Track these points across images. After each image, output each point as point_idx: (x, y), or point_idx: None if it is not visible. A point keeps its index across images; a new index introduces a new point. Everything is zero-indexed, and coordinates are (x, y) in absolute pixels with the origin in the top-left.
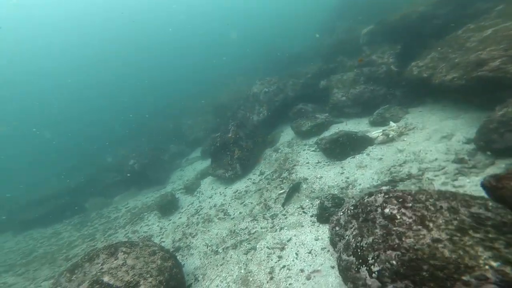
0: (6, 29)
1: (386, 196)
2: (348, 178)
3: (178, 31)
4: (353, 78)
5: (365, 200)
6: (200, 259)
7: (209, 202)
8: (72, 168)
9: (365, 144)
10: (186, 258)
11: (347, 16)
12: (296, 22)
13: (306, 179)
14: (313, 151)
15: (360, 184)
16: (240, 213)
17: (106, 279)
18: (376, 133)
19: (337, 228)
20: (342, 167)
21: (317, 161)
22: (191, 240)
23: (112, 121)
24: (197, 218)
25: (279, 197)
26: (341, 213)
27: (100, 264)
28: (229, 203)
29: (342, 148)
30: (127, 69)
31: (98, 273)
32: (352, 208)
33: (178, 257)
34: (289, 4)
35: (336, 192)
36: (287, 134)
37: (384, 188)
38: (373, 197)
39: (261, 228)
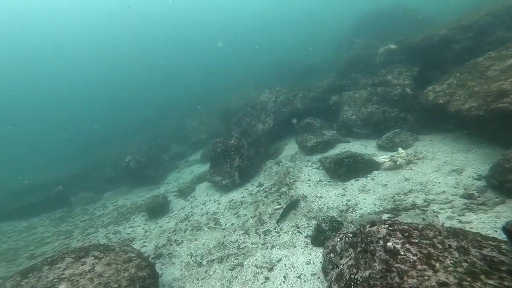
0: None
1: (391, 228)
2: (349, 201)
3: (197, 33)
4: (366, 97)
5: (367, 229)
6: (181, 269)
7: (201, 209)
8: (71, 158)
9: (371, 168)
10: (166, 267)
11: (367, 33)
12: (315, 36)
13: (305, 197)
14: (315, 168)
15: (361, 209)
16: (232, 224)
17: (62, 287)
18: (383, 158)
19: (331, 255)
20: (344, 189)
21: (318, 179)
22: (175, 247)
23: (122, 117)
24: (186, 224)
25: (275, 213)
26: (338, 239)
27: (61, 269)
28: (222, 212)
29: (347, 169)
30: (145, 70)
31: (55, 280)
32: (351, 235)
33: (157, 265)
34: (311, 17)
35: (335, 215)
36: (291, 148)
37: (385, 215)
38: (375, 227)
39: (252, 243)
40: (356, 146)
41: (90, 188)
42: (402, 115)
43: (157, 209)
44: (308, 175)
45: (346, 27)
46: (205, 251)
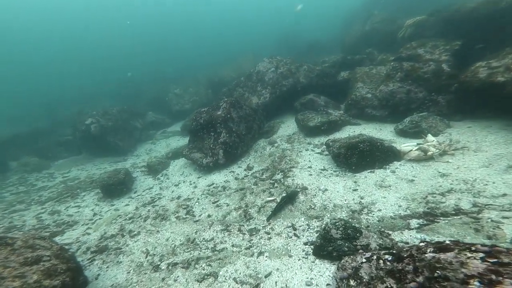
0: None
1: (491, 261)
2: (362, 198)
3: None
4: (387, 73)
5: (430, 256)
6: (129, 272)
7: (172, 192)
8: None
9: (390, 157)
10: (108, 267)
11: (389, 6)
12: (327, 8)
13: (306, 188)
14: (318, 153)
15: (379, 210)
16: (209, 216)
17: None
18: (408, 146)
19: (352, 283)
20: (355, 182)
21: (322, 168)
22: (127, 240)
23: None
24: (149, 210)
25: (266, 206)
26: (364, 259)
27: None
28: (198, 199)
29: (360, 157)
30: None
31: None
32: (390, 258)
33: (96, 263)
34: None
35: (344, 215)
36: (288, 127)
37: (414, 221)
38: (452, 255)
39: (233, 245)
40: (369, 130)
41: (38, 152)
42: (432, 96)
43: (116, 187)
44: (309, 161)
45: None
46: (167, 250)
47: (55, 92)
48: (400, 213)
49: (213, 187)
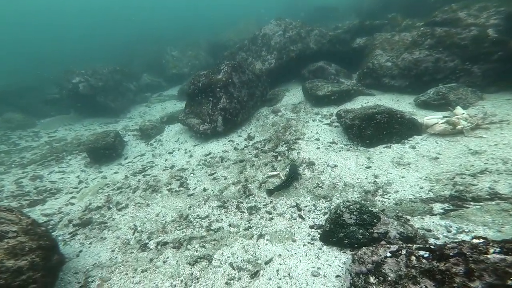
0: None
1: None
2: (377, 177)
3: None
4: (413, 40)
5: (493, 257)
6: (113, 251)
7: (166, 160)
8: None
9: (410, 131)
10: (91, 243)
11: None
12: None
13: (312, 163)
14: (326, 124)
15: (396, 192)
16: (205, 190)
17: None
18: (433, 118)
19: (372, 280)
20: (369, 158)
21: (331, 140)
22: (114, 214)
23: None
24: (139, 180)
25: (268, 182)
26: (389, 253)
27: None
28: (193, 170)
29: (376, 130)
30: None
31: None
32: (427, 255)
33: (78, 238)
34: None
35: (356, 196)
36: (294, 96)
37: (438, 206)
38: None
39: (230, 225)
40: (385, 101)
41: (24, 109)
42: (466, 65)
43: (103, 152)
44: (317, 133)
45: None
46: (157, 227)
47: (49, 50)
48: (421, 196)
49: (210, 157)
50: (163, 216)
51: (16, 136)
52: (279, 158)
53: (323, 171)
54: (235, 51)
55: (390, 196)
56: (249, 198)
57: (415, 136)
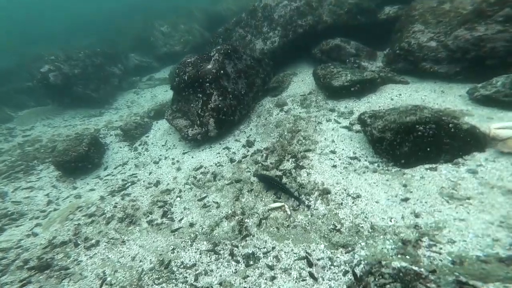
0: None
1: None
2: (418, 216)
3: None
4: (478, 10)
5: None
6: None
7: (150, 174)
8: None
9: (467, 146)
10: None
11: None
12: None
13: (327, 191)
14: (345, 127)
15: (452, 242)
16: (192, 225)
17: None
18: (508, 127)
19: None
20: (405, 186)
21: (352, 154)
22: (80, 253)
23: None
24: (116, 204)
25: (269, 218)
26: None
27: None
28: (180, 192)
29: (416, 145)
30: None
31: None
32: None
33: None
34: None
35: (389, 247)
36: (303, 82)
37: None
38: None
39: (221, 283)
40: (423, 93)
41: (1, 99)
42: None
43: (75, 165)
44: (332, 141)
45: None
46: (131, 277)
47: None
48: (496, 253)
49: (201, 173)
50: (140, 261)
51: None
52: (284, 179)
53: (341, 203)
54: (231, 27)
55: (442, 248)
56: (246, 241)
57: (475, 153)
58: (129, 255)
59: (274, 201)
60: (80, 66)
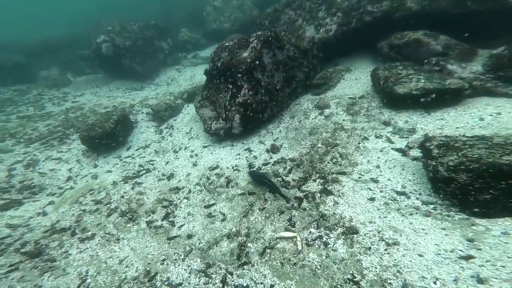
0: None
1: None
2: (483, 282)
3: None
4: None
5: None
6: None
7: (167, 163)
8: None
9: None
10: None
11: None
12: None
13: (354, 231)
14: (398, 150)
15: None
16: (190, 236)
17: None
18: None
19: None
20: (471, 240)
21: (400, 188)
22: (73, 246)
23: None
24: (124, 194)
25: (276, 245)
26: None
27: None
28: (189, 193)
29: (506, 194)
30: None
31: None
32: None
33: (10, 278)
34: None
35: None
36: (356, 81)
37: None
38: None
39: None
40: None
41: (63, 64)
42: None
43: (99, 142)
44: (377, 166)
45: None
46: (111, 284)
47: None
48: None
49: (215, 174)
50: (127, 267)
51: (47, 97)
52: (304, 204)
53: (369, 248)
54: (281, 8)
55: None
56: (243, 269)
57: None
58: (118, 257)
59: (286, 229)
60: (132, 39)
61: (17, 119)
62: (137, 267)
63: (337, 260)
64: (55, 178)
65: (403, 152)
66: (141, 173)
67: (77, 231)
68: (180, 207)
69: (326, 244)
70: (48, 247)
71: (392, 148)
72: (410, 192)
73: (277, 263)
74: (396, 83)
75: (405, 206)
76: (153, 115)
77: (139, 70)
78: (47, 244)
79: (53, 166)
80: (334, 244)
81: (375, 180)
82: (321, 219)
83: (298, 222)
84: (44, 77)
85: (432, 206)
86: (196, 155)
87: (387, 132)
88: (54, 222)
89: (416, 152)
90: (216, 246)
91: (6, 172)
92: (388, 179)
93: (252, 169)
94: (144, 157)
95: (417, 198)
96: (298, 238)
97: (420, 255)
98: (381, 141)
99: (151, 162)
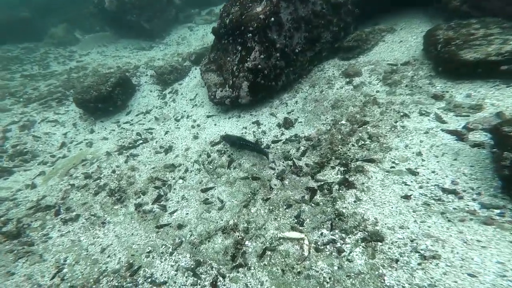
0: None
1: None
2: None
3: None
4: None
5: None
6: None
7: (166, 134)
8: None
9: None
10: None
11: None
12: None
13: (378, 238)
14: (452, 132)
15: None
16: (180, 226)
17: None
18: None
19: None
20: None
21: (449, 185)
22: (55, 227)
23: None
24: (115, 169)
25: (278, 246)
26: None
27: None
28: (186, 172)
29: None
30: None
31: None
32: None
33: None
34: None
35: None
36: (401, 45)
37: None
38: None
39: None
40: None
41: (71, 21)
42: None
43: (94, 106)
44: (418, 153)
45: None
46: (88, 277)
47: None
48: None
49: (217, 151)
50: (108, 257)
51: (53, 55)
52: (317, 197)
53: (396, 260)
54: None
55: None
56: (237, 272)
57: None
58: (100, 245)
59: (292, 227)
60: None
61: (19, 81)
62: (120, 258)
63: (353, 274)
64: (49, 143)
65: (459, 135)
66: (137, 143)
67: (61, 210)
68: (174, 189)
69: (340, 251)
70: (29, 227)
71: (442, 130)
72: (464, 191)
73: (277, 269)
74: (463, 46)
75: (454, 209)
76: (157, 78)
77: (148, 27)
78: (29, 224)
79: (49, 130)
80: (350, 252)
81: (413, 172)
82: (336, 219)
83: (307, 220)
84: (51, 35)
85: (497, 211)
86: (198, 125)
87: (438, 109)
88: (40, 197)
89: (477, 136)
90: (209, 241)
91: (0, 134)
92: (433, 172)
93: (225, 133)
94: (144, 124)
95: (474, 200)
96: (306, 241)
97: (472, 276)
98: (428, 120)
99: (150, 131)
